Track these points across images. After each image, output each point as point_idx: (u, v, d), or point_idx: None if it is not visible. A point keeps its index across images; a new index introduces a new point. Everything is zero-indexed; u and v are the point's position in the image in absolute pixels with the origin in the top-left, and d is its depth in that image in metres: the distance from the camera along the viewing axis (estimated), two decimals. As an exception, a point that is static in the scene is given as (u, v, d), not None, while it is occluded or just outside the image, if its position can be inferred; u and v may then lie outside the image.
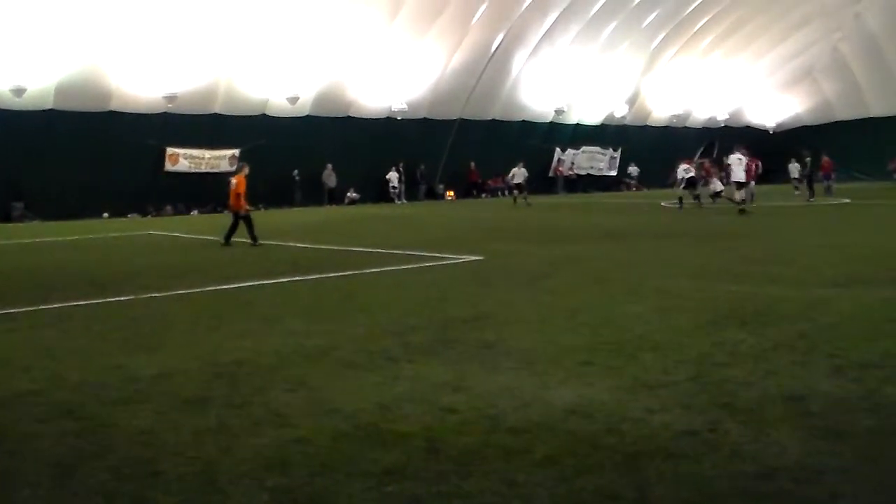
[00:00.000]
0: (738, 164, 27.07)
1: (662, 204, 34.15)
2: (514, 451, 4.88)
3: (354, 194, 43.62)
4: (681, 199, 30.66)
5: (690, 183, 31.23)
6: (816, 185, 35.13)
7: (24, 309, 10.95)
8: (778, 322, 8.47)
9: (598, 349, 7.44)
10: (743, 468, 4.53)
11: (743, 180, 26.93)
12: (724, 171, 32.64)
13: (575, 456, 4.78)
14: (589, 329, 8.41)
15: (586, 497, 4.23)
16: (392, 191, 44.19)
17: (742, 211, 25.58)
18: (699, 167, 36.84)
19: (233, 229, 19.58)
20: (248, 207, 19.93)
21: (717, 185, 32.78)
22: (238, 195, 19.68)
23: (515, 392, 6.12)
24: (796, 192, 36.52)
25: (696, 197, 30.91)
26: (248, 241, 19.12)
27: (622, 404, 5.74)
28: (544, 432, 5.21)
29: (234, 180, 20.09)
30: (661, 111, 55.58)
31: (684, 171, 31.79)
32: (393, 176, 44.15)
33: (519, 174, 37.67)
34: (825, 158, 37.56)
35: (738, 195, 26.74)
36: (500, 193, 48.17)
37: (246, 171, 20.37)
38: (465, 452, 4.88)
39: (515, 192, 37.91)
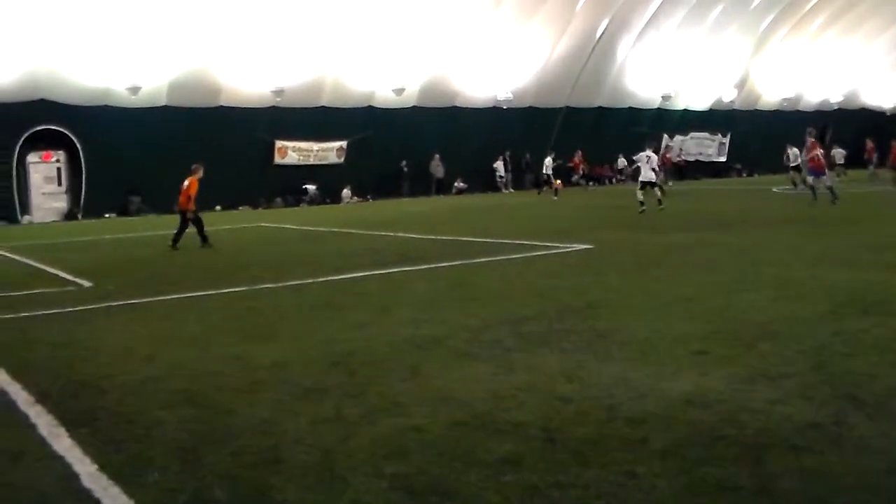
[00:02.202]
0: (646, 162, 24.53)
1: (774, 190, 33.33)
2: (632, 442, 4.83)
3: (462, 184, 43.72)
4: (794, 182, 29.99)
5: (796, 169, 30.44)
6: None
7: (144, 300, 11.32)
8: (902, 311, 8.18)
9: (713, 338, 7.31)
10: (871, 463, 4.39)
11: (653, 180, 24.35)
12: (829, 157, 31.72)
13: (694, 447, 4.70)
14: (703, 318, 8.27)
15: (707, 489, 4.16)
16: (499, 180, 44.16)
17: (642, 212, 22.79)
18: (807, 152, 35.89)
19: (181, 231, 19.01)
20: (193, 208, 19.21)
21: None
22: (189, 197, 19.09)
23: (631, 382, 6.06)
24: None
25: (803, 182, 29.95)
26: (199, 241, 18.79)
27: (741, 395, 5.62)
28: (662, 423, 5.14)
29: (186, 181, 19.44)
30: (771, 95, 54.18)
31: (795, 155, 31.01)
32: (499, 165, 44.12)
33: (548, 164, 37.69)
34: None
35: (639, 195, 23.74)
36: (607, 181, 47.73)
37: (200, 173, 19.68)
38: (583, 442, 4.85)
39: (550, 182, 37.66)
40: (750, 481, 4.20)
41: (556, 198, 34.82)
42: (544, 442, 4.91)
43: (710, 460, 4.50)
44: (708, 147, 53.06)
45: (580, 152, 41.47)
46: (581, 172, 41.45)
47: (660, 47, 46.40)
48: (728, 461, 4.47)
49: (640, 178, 24.61)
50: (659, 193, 24.38)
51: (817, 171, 23.80)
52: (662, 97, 49.39)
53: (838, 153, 41.00)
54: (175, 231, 19.07)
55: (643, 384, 6.00)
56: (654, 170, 24.47)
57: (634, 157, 26.91)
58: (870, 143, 40.77)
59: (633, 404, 5.54)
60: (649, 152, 24.98)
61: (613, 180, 46.55)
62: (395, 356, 7.29)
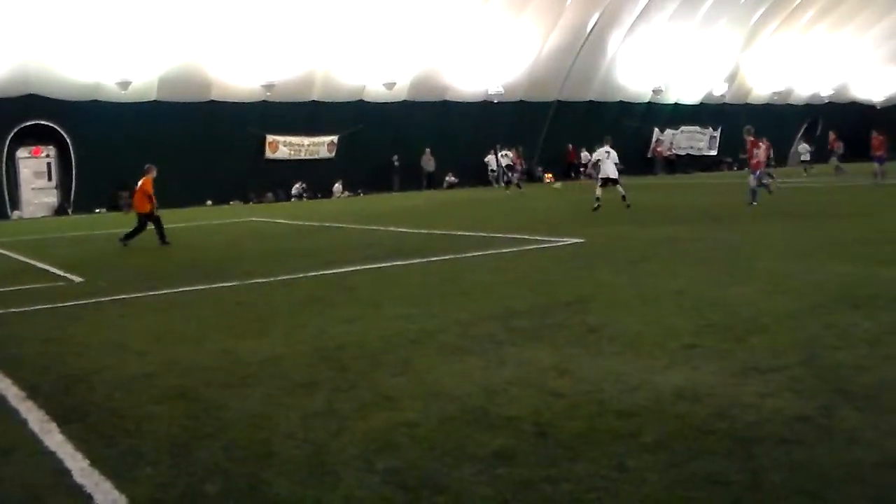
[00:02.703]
0: (606, 158, 23.85)
1: (764, 182, 33.32)
2: (623, 436, 4.84)
3: (453, 178, 43.76)
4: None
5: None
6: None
7: (135, 295, 11.30)
8: (893, 305, 8.20)
9: (704, 332, 7.33)
10: (861, 456, 4.40)
11: (613, 176, 23.71)
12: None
13: (685, 440, 4.72)
14: (694, 312, 8.28)
15: (698, 482, 4.17)
16: (490, 174, 44.18)
17: (597, 209, 22.36)
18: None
19: (138, 230, 18.80)
20: (151, 207, 18.90)
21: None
22: (150, 196, 18.90)
23: (621, 376, 6.08)
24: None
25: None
26: (158, 240, 18.58)
27: (731, 388, 5.64)
28: (652, 416, 5.16)
29: (140, 181, 19.28)
30: (761, 88, 54.30)
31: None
32: (491, 159, 44.10)
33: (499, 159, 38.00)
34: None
35: (598, 191, 23.13)
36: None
37: (153, 173, 19.47)
38: (574, 436, 4.86)
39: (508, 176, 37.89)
40: (740, 475, 4.22)
41: (508, 192, 35.02)
42: (536, 436, 4.92)
43: (701, 454, 4.51)
44: (699, 141, 53.17)
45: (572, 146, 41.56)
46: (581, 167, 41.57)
47: (650, 41, 46.49)
48: (719, 455, 4.49)
49: (601, 175, 23.89)
50: (622, 190, 23.55)
51: (756, 169, 22.76)
52: (653, 91, 49.50)
53: (803, 149, 40.90)
54: (131, 229, 18.81)
55: (634, 378, 6.01)
56: (616, 165, 23.82)
57: (594, 154, 26.03)
58: (832, 135, 40.66)
59: (624, 398, 5.55)
60: (608, 147, 24.16)
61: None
62: (386, 350, 7.29)
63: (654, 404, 5.39)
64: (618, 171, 24.12)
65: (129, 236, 18.62)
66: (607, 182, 23.58)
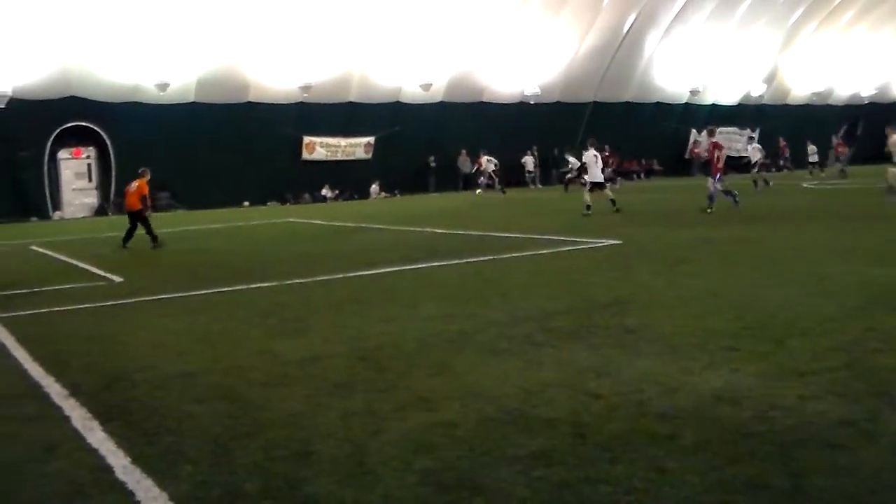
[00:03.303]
0: (594, 163, 22.93)
1: (804, 185, 33.07)
2: (662, 438, 4.81)
3: (489, 179, 43.69)
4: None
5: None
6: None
7: (174, 295, 11.41)
8: (936, 307, 8.09)
9: (743, 334, 7.27)
10: (906, 460, 4.35)
11: (601, 180, 23.03)
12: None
13: (725, 443, 4.68)
14: (733, 314, 8.21)
15: (738, 486, 4.13)
16: (528, 175, 44.04)
17: (587, 215, 21.63)
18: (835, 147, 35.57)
19: (131, 231, 19.44)
20: (143, 207, 19.60)
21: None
22: (145, 197, 19.53)
23: (660, 377, 6.04)
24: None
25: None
26: (149, 241, 19.10)
27: (771, 391, 5.59)
28: (692, 419, 5.12)
29: (135, 183, 19.91)
30: (800, 89, 53.80)
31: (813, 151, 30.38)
32: (528, 160, 44.02)
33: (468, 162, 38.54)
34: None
35: (587, 197, 22.31)
36: (634, 176, 47.56)
37: (147, 175, 20.14)
38: (613, 438, 4.84)
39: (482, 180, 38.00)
40: (782, 479, 4.17)
41: (481, 193, 35.13)
42: (574, 437, 4.90)
43: (741, 457, 4.47)
44: (736, 142, 52.67)
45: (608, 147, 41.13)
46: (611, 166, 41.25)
47: (688, 41, 46.23)
48: (759, 458, 4.44)
49: (589, 179, 23.02)
50: (610, 194, 23.08)
51: (717, 174, 21.46)
52: (690, 92, 49.20)
53: (811, 150, 40.21)
54: (126, 230, 19.46)
55: (673, 380, 5.97)
56: (608, 168, 23.15)
57: (570, 158, 24.58)
58: (836, 140, 40.20)
59: (663, 400, 5.52)
60: (595, 151, 23.38)
61: (641, 175, 46.19)
62: (424, 351, 7.30)
63: (693, 406, 5.35)
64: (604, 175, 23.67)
65: (127, 238, 19.23)
66: (595, 186, 22.85)
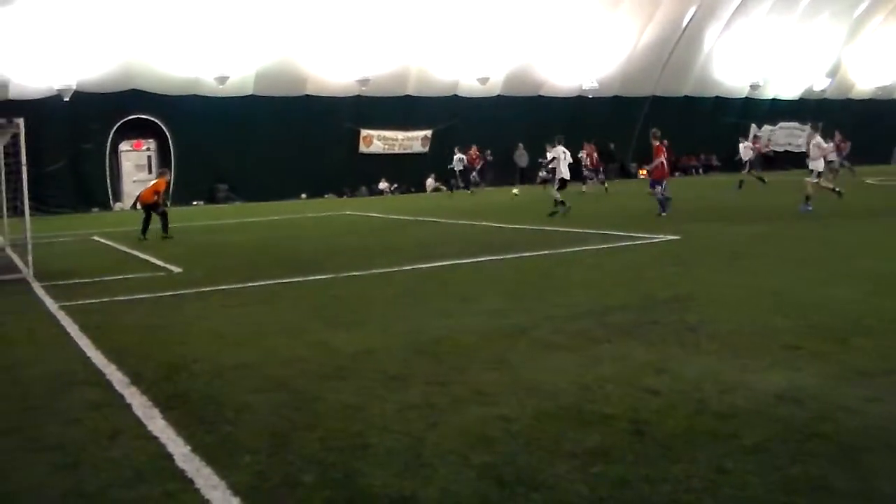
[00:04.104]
0: (563, 159, 22.37)
1: (868, 181, 32.47)
2: (722, 437, 4.75)
3: (546, 173, 43.46)
4: None
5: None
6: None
7: (232, 286, 11.52)
8: None
9: (805, 333, 7.15)
10: (976, 464, 4.25)
11: (568, 178, 22.54)
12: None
13: (786, 444, 4.60)
14: (794, 311, 8.09)
15: (801, 487, 4.06)
16: (585, 170, 43.65)
17: (553, 213, 21.24)
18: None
19: (147, 223, 20.09)
20: (155, 200, 20.51)
21: None
22: (158, 193, 20.48)
23: (720, 375, 5.96)
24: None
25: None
26: (162, 233, 19.87)
27: (835, 392, 5.49)
28: (752, 418, 5.04)
29: (154, 180, 21.34)
30: (865, 83, 52.73)
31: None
32: (583, 155, 43.60)
33: (457, 161, 37.36)
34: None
35: (557, 194, 21.92)
36: (692, 171, 47.06)
37: (168, 176, 21.95)
38: (671, 436, 4.79)
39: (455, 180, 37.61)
40: (847, 482, 4.09)
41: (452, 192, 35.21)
42: (632, 434, 4.86)
43: (804, 458, 4.39)
44: (797, 137, 51.81)
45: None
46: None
47: (748, 35, 45.56)
48: (823, 460, 4.36)
49: (558, 176, 22.54)
50: (558, 196, 22.05)
51: (659, 180, 20.75)
52: (751, 86, 48.51)
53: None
54: (142, 222, 20.18)
55: (733, 378, 5.89)
56: (586, 166, 22.49)
57: (553, 153, 23.95)
58: (839, 135, 39.11)
59: (723, 398, 5.45)
60: (564, 148, 22.81)
61: (699, 170, 45.59)
62: (480, 345, 7.29)
63: (754, 406, 5.27)
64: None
65: (144, 230, 19.86)
66: (566, 183, 22.40)
